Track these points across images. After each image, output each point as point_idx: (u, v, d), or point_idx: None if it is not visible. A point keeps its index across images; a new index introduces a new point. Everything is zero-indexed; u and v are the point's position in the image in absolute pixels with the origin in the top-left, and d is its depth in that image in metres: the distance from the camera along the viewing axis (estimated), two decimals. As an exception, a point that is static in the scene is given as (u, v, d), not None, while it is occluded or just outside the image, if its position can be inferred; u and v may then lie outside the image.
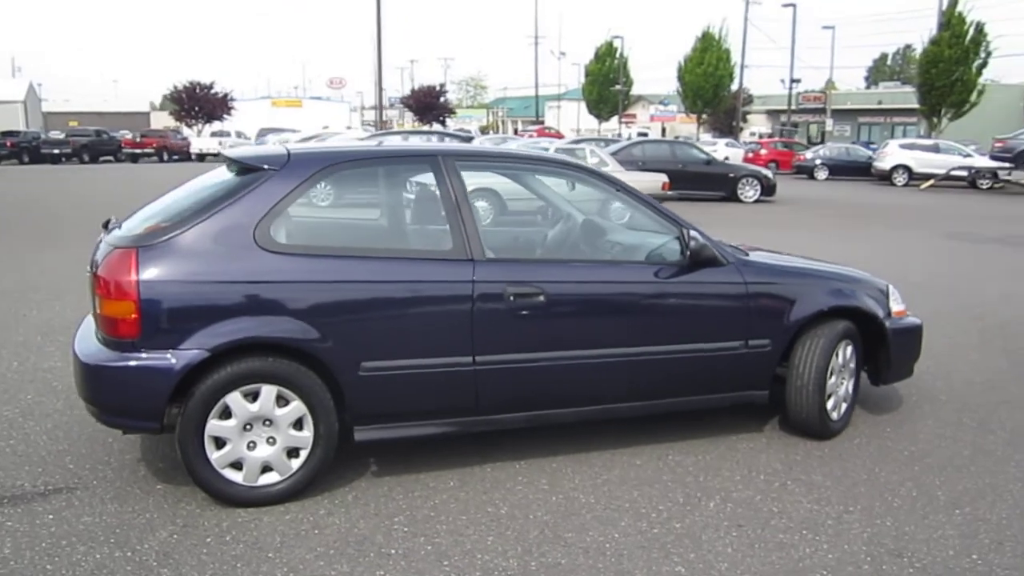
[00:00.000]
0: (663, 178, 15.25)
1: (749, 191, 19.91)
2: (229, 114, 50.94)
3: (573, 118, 77.99)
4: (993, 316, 7.42)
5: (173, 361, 3.20)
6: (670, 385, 4.02)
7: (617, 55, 55.53)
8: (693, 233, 3.90)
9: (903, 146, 28.75)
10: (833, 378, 4.23)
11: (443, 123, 55.12)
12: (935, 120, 32.51)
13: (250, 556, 3.03)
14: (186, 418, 3.25)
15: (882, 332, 4.36)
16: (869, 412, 4.70)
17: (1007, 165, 25.38)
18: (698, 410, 4.25)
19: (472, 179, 3.98)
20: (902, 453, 4.15)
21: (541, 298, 3.64)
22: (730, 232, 3.79)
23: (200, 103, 50.07)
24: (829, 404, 4.24)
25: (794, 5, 44.74)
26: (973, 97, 31.54)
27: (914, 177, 27.41)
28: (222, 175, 3.81)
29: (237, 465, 3.36)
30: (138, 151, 37.91)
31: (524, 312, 3.63)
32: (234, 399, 3.29)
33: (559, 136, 41.05)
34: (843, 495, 3.66)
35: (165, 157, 38.44)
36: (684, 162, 19.49)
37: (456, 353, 3.55)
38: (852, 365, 4.37)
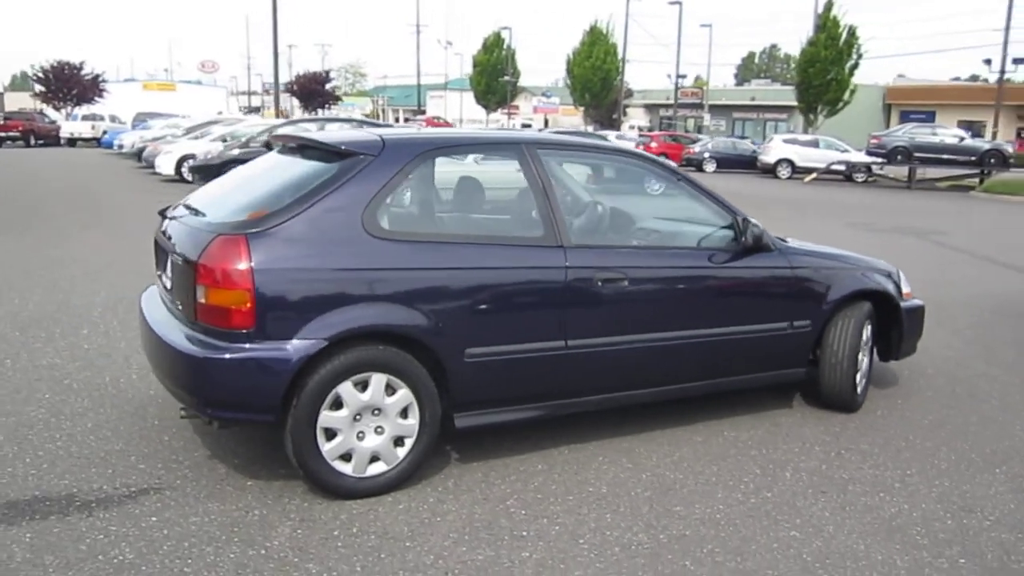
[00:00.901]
0: (587, 170, 15.56)
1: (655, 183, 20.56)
2: (101, 96, 47.91)
3: (456, 108, 78.04)
4: (928, 300, 8.07)
5: (290, 352, 3.12)
6: (729, 364, 4.24)
7: (505, 46, 55.85)
8: (751, 221, 4.12)
9: (786, 141, 30.42)
10: (860, 355, 4.56)
11: (328, 110, 53.86)
12: (811, 117, 34.51)
13: (388, 546, 3.01)
14: (299, 410, 3.18)
15: (897, 313, 4.72)
16: (875, 387, 5.08)
17: (879, 160, 27.35)
18: (746, 389, 4.49)
19: (455, 168, 4.01)
20: (922, 422, 4.53)
21: (625, 283, 3.77)
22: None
23: (69, 84, 46.84)
24: (856, 379, 4.57)
25: (680, 2, 46.35)
26: (846, 96, 33.69)
27: (796, 170, 29.07)
28: (303, 160, 3.73)
29: (346, 456, 3.31)
30: (1, 135, 35.13)
31: (609, 297, 3.74)
32: (346, 389, 3.25)
33: (447, 126, 40.99)
34: (894, 461, 3.98)
35: (32, 142, 35.80)
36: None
37: (551, 338, 3.63)
38: (870, 343, 4.72)
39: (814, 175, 28.15)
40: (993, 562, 3.08)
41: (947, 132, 26.84)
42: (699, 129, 57.03)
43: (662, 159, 4.46)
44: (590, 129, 50.41)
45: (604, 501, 3.45)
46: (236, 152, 15.78)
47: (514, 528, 3.19)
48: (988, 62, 37.20)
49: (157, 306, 3.80)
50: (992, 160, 25.43)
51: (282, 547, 2.97)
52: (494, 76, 55.93)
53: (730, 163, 32.19)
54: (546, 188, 3.72)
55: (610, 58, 46.76)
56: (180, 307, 3.36)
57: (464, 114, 75.18)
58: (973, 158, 25.66)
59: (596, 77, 46.30)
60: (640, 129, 59.27)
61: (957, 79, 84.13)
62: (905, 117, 58.08)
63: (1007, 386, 5.25)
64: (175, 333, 3.32)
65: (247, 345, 3.11)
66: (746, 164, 31.54)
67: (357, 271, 3.25)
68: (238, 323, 3.10)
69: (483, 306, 3.48)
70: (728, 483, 3.67)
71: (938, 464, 3.96)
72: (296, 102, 56.13)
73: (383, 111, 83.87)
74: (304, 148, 3.77)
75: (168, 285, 3.60)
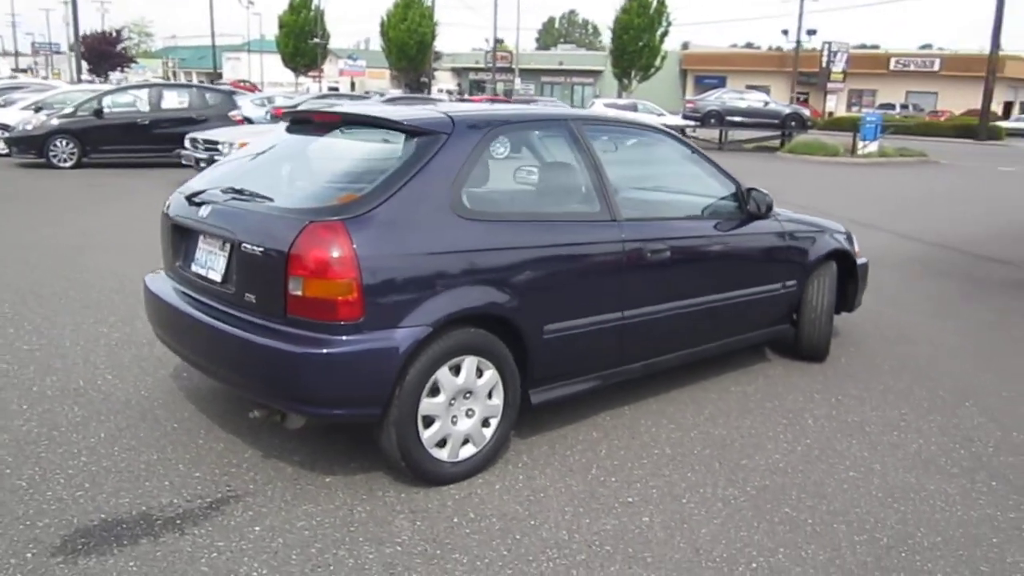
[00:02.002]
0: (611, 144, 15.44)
1: (672, 155, 20.86)
2: None
3: (257, 71, 74.26)
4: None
5: (398, 341, 3.01)
6: (740, 325, 4.53)
7: (313, 7, 53.66)
8: (756, 189, 4.40)
9: (607, 105, 31.67)
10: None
11: (122, 74, 49.40)
12: (626, 82, 36.16)
13: (515, 527, 3.01)
14: (402, 400, 3.08)
15: (854, 269, 5.22)
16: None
17: (692, 123, 29.23)
18: (745, 347, 4.81)
19: (320, 141, 3.90)
20: (884, 367, 5.06)
21: (668, 254, 3.92)
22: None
23: None
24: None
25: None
26: (658, 62, 35.58)
27: (618, 133, 30.40)
28: (361, 139, 3.56)
29: (442, 442, 3.25)
30: None
31: (656, 267, 3.88)
32: (443, 374, 3.18)
33: (255, 90, 38.88)
34: (885, 403, 4.44)
35: None
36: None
37: (611, 310, 3.72)
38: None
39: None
40: (1017, 481, 3.57)
41: (753, 97, 29.12)
42: (507, 93, 58.03)
43: (675, 132, 4.62)
44: (399, 92, 49.65)
45: (677, 461, 3.61)
46: (58, 123, 14.25)
47: (617, 495, 3.28)
48: (785, 32, 40.43)
49: (184, 299, 3.50)
50: (793, 123, 27.91)
51: (414, 541, 2.89)
52: (302, 38, 53.67)
53: (554, 127, 33.07)
54: (597, 164, 3.78)
55: (425, 21, 46.30)
56: (254, 301, 3.11)
57: (265, 77, 71.65)
58: (776, 121, 28.03)
59: (412, 40, 45.71)
60: (450, 93, 59.36)
61: (734, 46, 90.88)
62: (699, 81, 62.25)
63: (931, 330, 5.95)
64: (252, 329, 3.08)
65: (354, 337, 2.95)
66: (569, 128, 32.53)
67: (451, 253, 3.17)
68: (345, 315, 2.93)
69: (558, 282, 3.52)
70: (768, 434, 3.96)
71: (920, 403, 4.47)
72: (82, 64, 50.82)
73: (174, 74, 78.23)
74: (357, 126, 3.58)
75: (217, 277, 3.32)
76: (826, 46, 46.02)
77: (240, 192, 3.39)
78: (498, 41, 51.82)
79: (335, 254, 2.92)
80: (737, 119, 28.14)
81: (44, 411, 3.88)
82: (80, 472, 3.30)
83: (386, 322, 3.00)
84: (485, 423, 3.38)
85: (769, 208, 4.39)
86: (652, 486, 3.38)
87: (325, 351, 2.93)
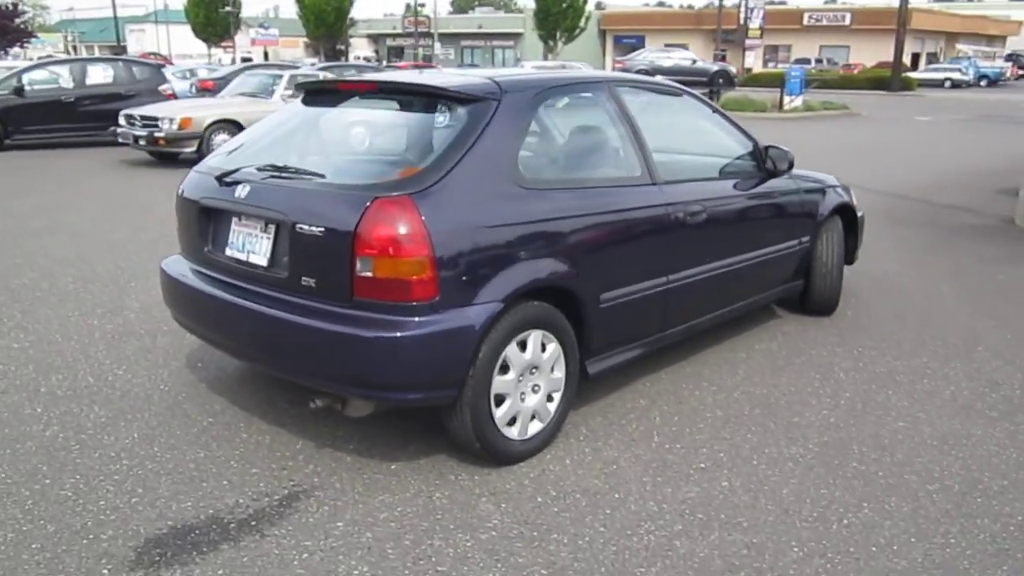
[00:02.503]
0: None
1: (697, 116, 20.57)
2: None
3: (164, 42, 71.03)
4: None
5: (473, 318, 2.89)
6: (765, 282, 4.55)
7: (222, -26, 51.48)
8: (776, 146, 4.39)
9: (535, 67, 31.47)
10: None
11: (24, 48, 46.53)
12: (551, 44, 35.98)
13: (603, 501, 2.96)
14: (476, 379, 2.97)
15: (855, 223, 5.30)
16: (824, 289, 5.66)
17: (621, 83, 29.31)
18: (764, 305, 4.84)
19: (354, 112, 3.77)
20: (889, 316, 5.18)
21: (704, 216, 3.88)
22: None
23: None
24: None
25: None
26: (582, 23, 35.48)
27: (548, 96, 30.30)
28: (403, 107, 3.39)
29: (511, 420, 3.16)
30: None
31: (694, 229, 3.84)
32: (512, 351, 3.08)
33: (167, 62, 37.11)
34: (903, 352, 4.54)
35: None
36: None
37: (657, 275, 3.67)
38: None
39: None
40: (1054, 421, 3.70)
41: (680, 55, 29.38)
42: (427, 58, 57.12)
43: (696, 92, 4.56)
44: (315, 61, 48.05)
45: (731, 423, 3.62)
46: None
47: (688, 462, 3.26)
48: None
49: (218, 285, 3.29)
50: (720, 80, 28.28)
51: (506, 524, 2.81)
52: (212, 7, 51.47)
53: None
54: (634, 127, 3.70)
55: (342, -13, 44.97)
56: (313, 285, 2.94)
57: (173, 49, 68.64)
58: (704, 79, 28.33)
59: (330, 7, 44.39)
60: (367, 59, 58.08)
61: (646, 5, 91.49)
62: (618, 41, 62.51)
63: (918, 278, 6.12)
64: (314, 315, 2.91)
65: (429, 318, 2.82)
66: (498, 92, 32.28)
67: (515, 225, 3.06)
68: (420, 294, 2.80)
69: (612, 250, 3.45)
70: (807, 390, 4.00)
71: (936, 350, 4.59)
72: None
73: (75, 48, 74.22)
74: (394, 94, 3.40)
75: (262, 261, 3.13)
76: (743, 3, 46.67)
77: (283, 169, 3.19)
78: (420, 5, 50.77)
79: (406, 231, 2.77)
80: (666, 77, 28.33)
81: (62, 413, 3.62)
82: (127, 477, 3.09)
83: (460, 300, 2.88)
84: (549, 398, 3.30)
85: (791, 165, 4.39)
86: (718, 450, 3.37)
87: (400, 334, 2.79)
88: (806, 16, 55.73)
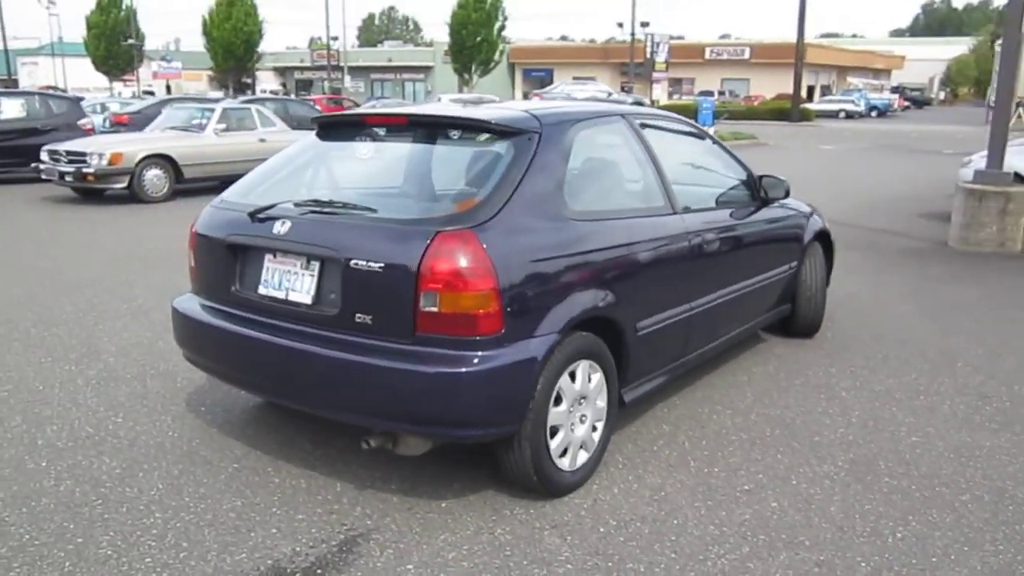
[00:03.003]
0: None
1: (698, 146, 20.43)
2: None
3: (59, 75, 68.21)
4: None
5: (533, 351, 2.88)
6: (761, 307, 4.69)
7: (124, 6, 49.83)
8: (770, 176, 4.56)
9: (453, 100, 31.64)
10: (820, 286, 5.29)
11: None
12: (467, 76, 36.32)
13: (666, 529, 2.97)
14: (535, 411, 2.95)
15: (830, 246, 5.52)
16: (797, 312, 5.87)
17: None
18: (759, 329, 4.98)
19: (382, 146, 3.67)
20: (864, 336, 5.40)
21: (716, 243, 3.99)
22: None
23: None
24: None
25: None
26: (496, 56, 35.97)
27: (468, 128, 30.55)
28: (441, 141, 3.38)
29: (563, 451, 3.15)
30: None
31: (711, 256, 3.95)
32: (565, 381, 3.08)
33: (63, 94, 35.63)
34: (893, 370, 4.74)
35: None
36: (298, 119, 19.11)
37: (683, 302, 3.74)
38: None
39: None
40: (1049, 429, 3.92)
41: (595, 87, 30.12)
42: (336, 91, 56.73)
43: (694, 123, 4.68)
44: (219, 94, 46.73)
45: (758, 445, 3.69)
46: None
47: (732, 485, 3.32)
48: (621, 25, 41.97)
49: (251, 325, 3.18)
50: (634, 112, 29.06)
51: (578, 557, 2.79)
52: (114, 39, 49.75)
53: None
54: (653, 157, 3.78)
55: (251, 19, 44.29)
56: (370, 322, 2.87)
57: (69, 82, 66.02)
58: (620, 111, 29.09)
59: (239, 39, 43.60)
60: (275, 93, 57.26)
61: (549, 39, 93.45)
62: (528, 74, 63.62)
63: (879, 299, 6.41)
64: (371, 353, 2.84)
65: (495, 352, 2.79)
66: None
67: (568, 256, 3.07)
68: (485, 328, 2.77)
69: (647, 278, 3.50)
70: (817, 410, 4.12)
71: (921, 367, 4.80)
72: None
73: (-41, 81, 70.40)
74: (428, 127, 3.38)
75: (304, 299, 3.04)
76: (649, 37, 48.23)
77: (327, 204, 3.12)
78: (332, 38, 50.40)
79: (472, 265, 2.75)
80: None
81: (70, 466, 3.41)
82: (166, 530, 2.92)
83: (522, 333, 2.87)
84: (593, 427, 3.30)
85: (787, 193, 4.55)
86: (755, 472, 3.44)
87: (467, 369, 2.75)
88: (708, 50, 58.09)
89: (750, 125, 33.34)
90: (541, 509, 3.09)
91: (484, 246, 2.78)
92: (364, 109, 4.00)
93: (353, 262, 2.86)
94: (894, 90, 61.36)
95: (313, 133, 3.77)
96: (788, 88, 48.41)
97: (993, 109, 8.14)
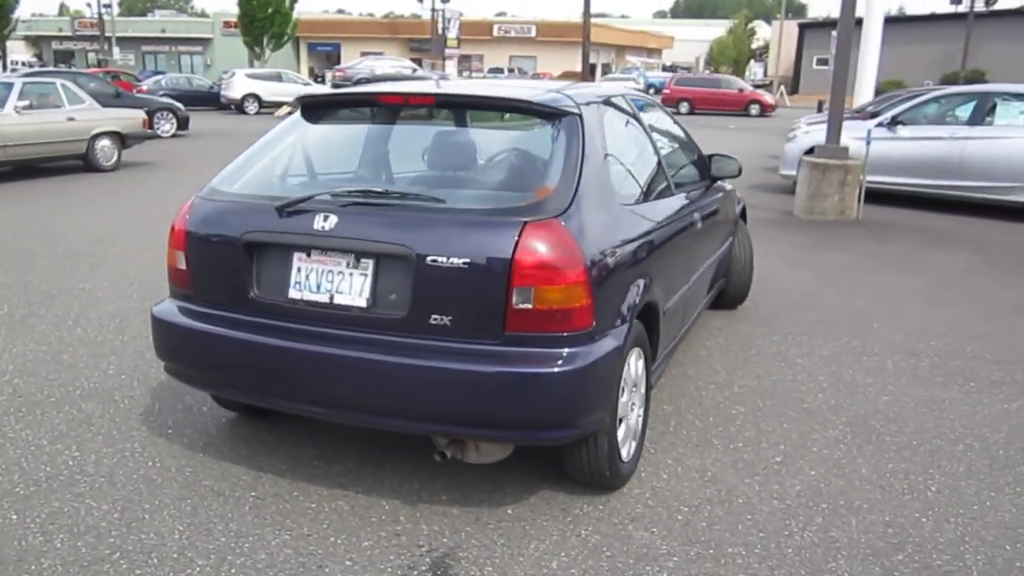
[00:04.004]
0: (141, 114, 13.46)
1: (165, 125, 18.80)
2: None
3: None
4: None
5: (614, 343, 2.79)
6: (715, 282, 4.84)
7: None
8: (716, 156, 4.69)
9: (249, 76, 29.87)
10: (744, 259, 5.57)
11: None
12: (258, 51, 34.38)
13: (738, 508, 3.01)
14: (613, 403, 2.86)
15: (744, 220, 5.82)
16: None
17: (341, 91, 28.95)
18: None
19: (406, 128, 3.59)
20: (783, 304, 5.76)
21: (700, 221, 4.07)
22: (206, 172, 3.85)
23: None
24: (747, 278, 5.59)
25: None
26: (290, 29, 34.31)
27: (264, 105, 28.96)
28: (477, 123, 3.15)
29: (624, 442, 3.08)
30: None
31: (697, 234, 4.02)
32: (626, 371, 3.01)
33: None
34: (826, 335, 5.08)
35: None
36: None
37: (685, 281, 3.78)
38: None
39: (287, 109, 28.40)
40: (985, 379, 4.39)
41: (401, 63, 29.63)
42: (100, 63, 51.74)
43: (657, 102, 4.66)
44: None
45: (760, 416, 3.83)
46: None
47: (762, 457, 3.41)
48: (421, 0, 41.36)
49: (283, 335, 2.83)
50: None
51: (678, 548, 2.75)
52: None
53: (189, 100, 30.21)
54: (651, 137, 3.77)
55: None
56: (448, 323, 2.62)
57: None
58: (426, 87, 28.85)
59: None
60: (30, 65, 51.29)
61: (326, 12, 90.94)
62: (313, 49, 61.42)
63: (771, 267, 6.84)
64: (455, 357, 2.61)
65: (589, 347, 2.66)
66: (207, 101, 30.15)
67: (627, 243, 2.99)
68: (579, 323, 2.63)
69: (670, 259, 3.51)
70: (787, 378, 4.34)
71: (847, 331, 5.19)
72: None
73: None
74: (457, 108, 3.13)
75: (359, 301, 2.73)
76: (440, 13, 48.14)
77: (380, 195, 2.81)
78: (105, 5, 45.58)
79: (565, 256, 2.60)
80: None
81: (51, 515, 2.86)
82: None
83: (606, 325, 2.77)
84: (639, 415, 3.26)
85: (740, 171, 4.71)
86: (775, 443, 3.57)
87: (563, 368, 2.60)
88: (496, 27, 58.93)
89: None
90: (608, 504, 3.02)
91: (571, 236, 2.64)
92: (373, 88, 3.56)
93: (430, 259, 2.60)
94: (670, 69, 65.64)
95: (297, 114, 3.38)
96: (573, 66, 50.34)
97: (831, 90, 8.92)
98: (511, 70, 55.46)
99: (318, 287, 2.79)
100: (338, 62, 56.36)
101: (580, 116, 3.06)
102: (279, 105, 28.46)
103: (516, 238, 2.57)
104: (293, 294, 2.82)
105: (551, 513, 2.95)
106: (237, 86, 29.36)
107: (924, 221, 9.22)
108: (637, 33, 67.07)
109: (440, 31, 49.55)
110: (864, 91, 18.72)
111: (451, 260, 2.59)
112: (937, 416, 3.88)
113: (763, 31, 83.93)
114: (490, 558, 2.67)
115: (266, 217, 2.84)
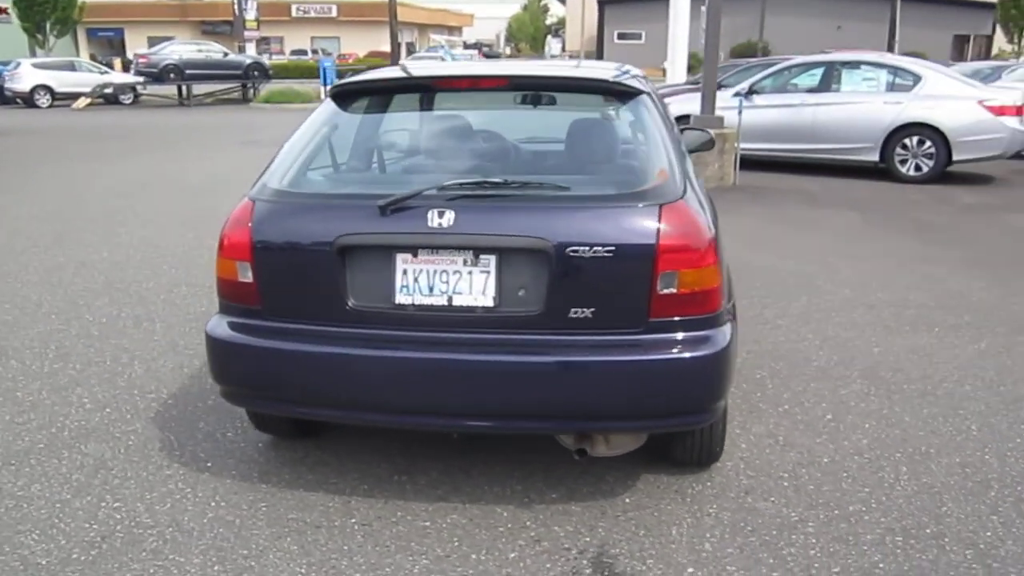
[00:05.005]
0: None
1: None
2: None
3: None
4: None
5: (732, 319, 2.81)
6: None
7: None
8: (687, 130, 4.79)
9: (36, 66, 26.87)
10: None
11: None
12: (41, 38, 31.03)
13: (829, 470, 3.13)
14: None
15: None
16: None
17: (145, 79, 26.86)
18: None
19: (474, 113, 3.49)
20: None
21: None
22: None
23: None
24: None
25: None
26: (76, 14, 31.23)
27: (58, 97, 26.28)
28: (537, 104, 3.00)
29: (724, 418, 3.11)
30: None
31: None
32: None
33: None
34: (791, 296, 5.39)
35: None
36: None
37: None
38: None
39: (87, 100, 25.91)
40: (946, 324, 4.82)
41: (211, 48, 27.78)
42: None
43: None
44: None
45: (781, 382, 3.98)
46: None
47: (815, 421, 3.57)
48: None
49: (390, 346, 2.61)
50: (256, 72, 27.54)
51: (809, 514, 2.82)
52: None
53: (-39, 96, 26.91)
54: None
55: None
56: (590, 315, 2.52)
57: None
58: (239, 72, 27.33)
59: None
60: None
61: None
62: (94, 35, 56.37)
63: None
64: (597, 351, 2.51)
65: (724, 327, 2.67)
66: (-17, 95, 26.90)
67: (715, 224, 2.98)
68: (715, 304, 2.63)
69: None
70: (793, 337, 4.55)
71: (799, 289, 5.51)
72: None
73: None
74: (530, 90, 2.97)
75: (485, 300, 2.55)
76: (236, -7, 45.61)
77: (500, 185, 2.63)
78: None
79: (702, 237, 2.59)
80: (198, 72, 26.64)
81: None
82: None
83: (726, 304, 2.76)
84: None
85: (712, 144, 4.82)
86: (816, 401, 3.73)
87: (710, 351, 2.59)
88: (294, 8, 56.61)
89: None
90: (714, 480, 3.04)
91: (699, 217, 2.62)
92: (432, 71, 3.27)
93: (571, 249, 2.48)
94: (473, 46, 66.14)
95: (330, 102, 3.08)
96: (378, 46, 49.52)
97: (704, 63, 9.37)
98: (315, 51, 53.66)
99: (431, 289, 2.58)
100: (123, 48, 52.03)
101: (650, 96, 3.02)
102: (76, 96, 25.93)
103: (656, 222, 2.51)
104: (401, 299, 2.59)
105: (668, 496, 2.93)
106: (24, 78, 26.36)
107: (791, 183, 9.95)
108: (438, 11, 66.89)
109: (237, 12, 47.06)
110: (678, 64, 19.76)
111: (594, 249, 2.48)
112: (929, 362, 4.22)
113: (556, 8, 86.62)
114: (643, 549, 2.62)
115: (364, 217, 2.58)
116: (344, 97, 3.09)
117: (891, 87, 10.06)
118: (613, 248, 2.49)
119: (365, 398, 2.67)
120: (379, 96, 3.16)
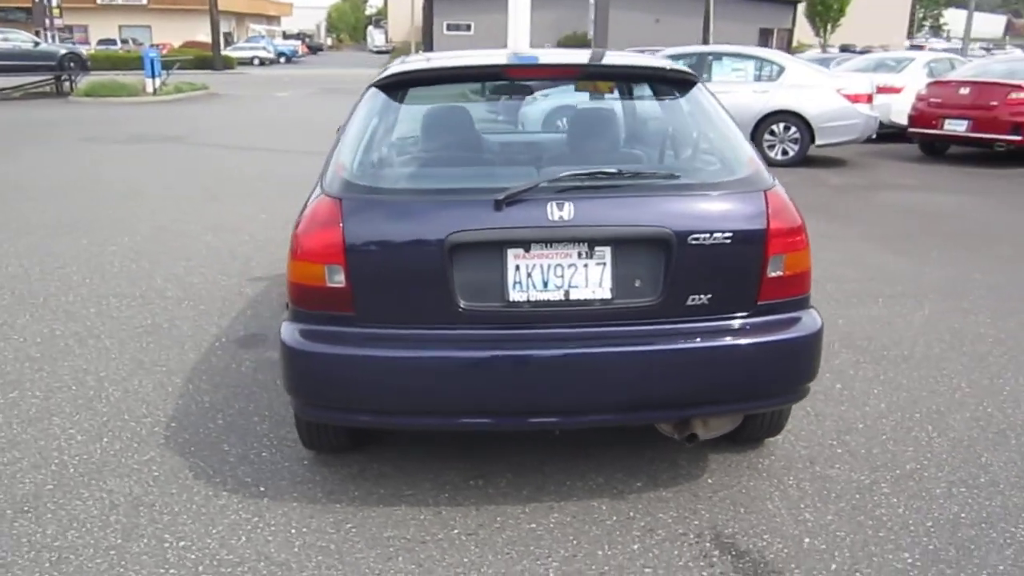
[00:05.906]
0: None
1: None
2: None
3: None
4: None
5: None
6: None
7: None
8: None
9: None
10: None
11: None
12: None
13: (908, 441, 3.32)
14: None
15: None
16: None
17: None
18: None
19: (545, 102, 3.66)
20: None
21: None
22: None
23: None
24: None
25: None
26: None
27: None
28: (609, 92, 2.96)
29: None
30: None
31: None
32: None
33: None
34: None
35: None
36: None
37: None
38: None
39: None
40: (937, 306, 5.23)
41: (19, 36, 25.11)
42: None
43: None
44: None
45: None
46: None
47: (867, 395, 3.78)
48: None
49: (510, 345, 2.53)
50: (72, 64, 25.20)
51: (879, 479, 3.00)
52: None
53: None
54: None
55: None
56: (706, 302, 2.54)
57: None
58: (53, 63, 24.90)
59: None
60: None
61: None
62: None
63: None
64: (714, 337, 2.55)
65: (812, 309, 2.77)
66: None
67: None
68: (807, 286, 2.75)
69: None
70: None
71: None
72: None
73: None
74: (595, 79, 2.92)
75: (603, 292, 2.52)
76: (33, -23, 41.55)
77: (612, 175, 2.59)
78: None
79: (799, 221, 2.70)
80: (4, 63, 24.00)
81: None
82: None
83: (810, 286, 2.88)
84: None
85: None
86: (833, 375, 3.88)
87: (811, 331, 2.71)
88: (99, -5, 52.43)
89: (182, 75, 30.83)
90: (775, 454, 3.17)
91: (792, 203, 2.71)
92: (495, 60, 3.07)
93: (692, 237, 2.49)
94: (296, 36, 63.94)
95: (378, 93, 2.90)
96: (193, 35, 46.89)
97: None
98: (124, 41, 49.91)
99: (546, 284, 2.50)
100: None
101: (700, 84, 3.07)
102: None
103: (764, 207, 2.58)
104: (515, 296, 2.50)
105: (745, 473, 3.02)
106: None
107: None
108: (256, 0, 64.17)
109: (37, 0, 42.94)
110: (521, 54, 20.02)
111: (714, 235, 2.51)
112: (892, 329, 4.57)
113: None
114: (752, 527, 2.69)
115: (476, 212, 2.46)
116: (397, 88, 2.90)
117: (758, 77, 10.74)
118: (731, 234, 2.53)
119: (475, 402, 2.55)
120: (440, 87, 3.00)
